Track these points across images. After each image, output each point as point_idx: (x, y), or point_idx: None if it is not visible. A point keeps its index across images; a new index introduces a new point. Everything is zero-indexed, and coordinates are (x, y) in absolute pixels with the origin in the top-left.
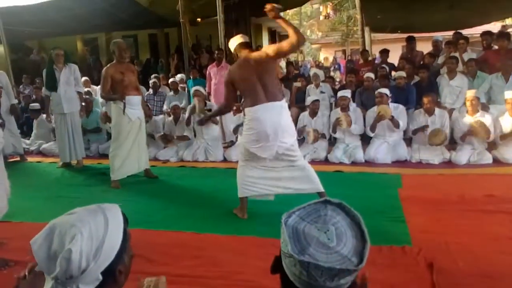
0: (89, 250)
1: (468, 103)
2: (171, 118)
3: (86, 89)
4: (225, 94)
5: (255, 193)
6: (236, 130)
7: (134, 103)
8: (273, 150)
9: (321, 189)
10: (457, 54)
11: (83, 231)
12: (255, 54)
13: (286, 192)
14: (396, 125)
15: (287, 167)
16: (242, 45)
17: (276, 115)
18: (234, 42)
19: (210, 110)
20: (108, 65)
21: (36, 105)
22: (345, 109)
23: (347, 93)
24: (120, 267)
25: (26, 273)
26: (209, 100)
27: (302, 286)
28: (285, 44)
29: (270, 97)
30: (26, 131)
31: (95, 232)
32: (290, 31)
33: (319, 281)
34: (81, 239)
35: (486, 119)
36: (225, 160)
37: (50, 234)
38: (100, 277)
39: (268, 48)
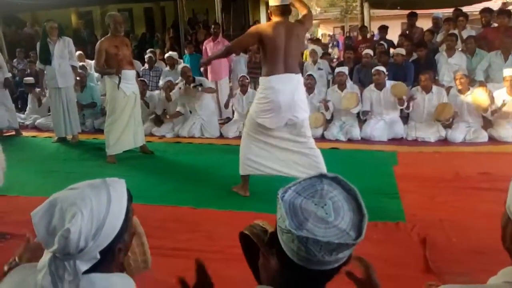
0: (88, 231)
1: (457, 82)
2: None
3: (80, 63)
4: (239, 41)
5: (258, 172)
6: (227, 104)
7: (129, 77)
8: (283, 122)
9: None
10: (456, 31)
11: (83, 211)
12: (292, 22)
13: (290, 174)
14: (402, 103)
15: (296, 151)
16: (280, 9)
17: (292, 87)
18: (274, 1)
19: (201, 84)
20: (102, 39)
21: (30, 79)
22: (342, 86)
23: (344, 69)
24: (120, 245)
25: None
26: (206, 77)
27: (301, 262)
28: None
29: (289, 68)
30: (21, 105)
31: (96, 211)
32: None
33: (317, 256)
34: (81, 219)
35: (479, 93)
36: (221, 136)
37: (51, 208)
38: (98, 256)
39: (304, 18)
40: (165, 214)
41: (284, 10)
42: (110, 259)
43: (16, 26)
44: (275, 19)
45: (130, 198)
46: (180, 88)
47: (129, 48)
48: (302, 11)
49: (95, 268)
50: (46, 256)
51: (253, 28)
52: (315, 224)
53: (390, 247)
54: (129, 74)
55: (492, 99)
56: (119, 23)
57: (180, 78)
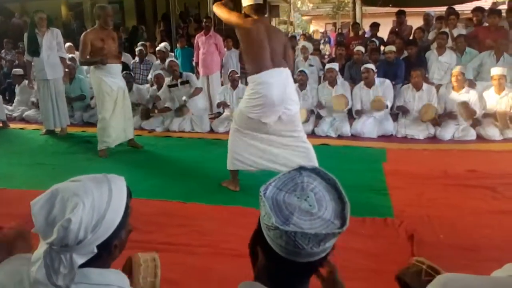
0: (88, 222)
1: (453, 79)
2: (154, 87)
3: (70, 55)
4: (229, 13)
5: (246, 167)
6: (220, 104)
7: (115, 72)
8: (276, 115)
9: None
10: (447, 30)
11: (85, 201)
12: (271, 25)
13: (280, 170)
14: (384, 106)
15: (288, 145)
16: (254, 7)
17: (283, 80)
18: (247, 0)
19: (187, 81)
20: (88, 30)
21: (18, 71)
22: (332, 82)
23: (334, 65)
24: (116, 242)
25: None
26: (197, 71)
27: (289, 256)
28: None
29: (276, 63)
30: (8, 97)
31: (97, 204)
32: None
33: (306, 249)
34: (83, 209)
35: (471, 95)
36: (211, 131)
37: (52, 198)
38: (95, 250)
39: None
40: (155, 208)
41: (258, 8)
42: (106, 255)
43: (4, 16)
44: (255, 17)
45: (129, 195)
46: (167, 85)
47: (116, 42)
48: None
49: (91, 263)
50: (42, 248)
51: (240, 17)
52: (300, 217)
53: (378, 242)
54: (114, 68)
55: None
56: (110, 16)
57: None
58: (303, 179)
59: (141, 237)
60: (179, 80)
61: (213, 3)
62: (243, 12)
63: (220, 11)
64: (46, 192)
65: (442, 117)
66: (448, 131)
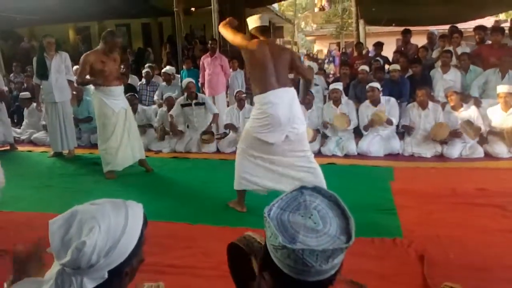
0: (102, 246)
1: (448, 99)
2: (165, 109)
3: None
4: (235, 34)
5: (254, 187)
6: (227, 126)
7: (117, 94)
8: (283, 135)
9: None
10: (451, 48)
11: (101, 225)
12: (275, 42)
13: (286, 190)
14: (390, 123)
15: (295, 165)
16: (259, 30)
17: (289, 100)
18: (253, 23)
19: (203, 103)
20: (89, 52)
21: (26, 94)
22: (337, 102)
23: (338, 85)
24: (127, 269)
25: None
26: (202, 91)
27: (299, 275)
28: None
29: (281, 83)
30: (17, 120)
31: (113, 229)
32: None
33: (315, 266)
34: (98, 233)
35: (472, 111)
36: (218, 151)
37: (71, 219)
38: (106, 276)
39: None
40: (161, 230)
41: (264, 30)
42: (116, 281)
43: (13, 41)
44: (257, 38)
45: (145, 223)
46: (180, 104)
47: (117, 64)
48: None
49: None
50: (55, 268)
51: (245, 40)
52: (306, 235)
53: (388, 263)
54: (116, 91)
55: (482, 119)
56: (117, 47)
57: (177, 92)
58: (305, 198)
59: (148, 260)
60: (194, 101)
61: (218, 26)
62: (249, 33)
63: (226, 32)
64: (66, 212)
65: (448, 136)
66: (456, 149)
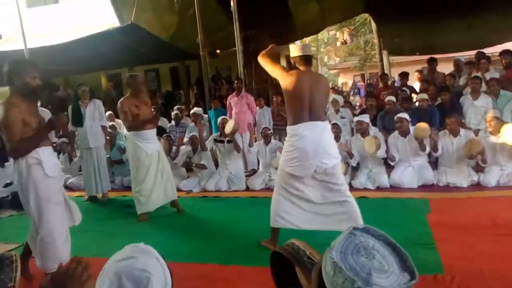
0: None
1: (487, 124)
2: (189, 148)
3: (110, 123)
4: (273, 63)
5: (289, 225)
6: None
7: (150, 137)
8: (311, 169)
9: None
10: (479, 74)
11: (153, 273)
12: (316, 72)
13: (323, 229)
14: (424, 148)
15: (330, 201)
16: (303, 59)
17: (318, 133)
18: (296, 52)
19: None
20: (122, 99)
21: (64, 139)
22: (364, 134)
23: (364, 117)
24: None
25: None
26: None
27: None
28: None
29: (314, 116)
30: None
31: (160, 273)
32: None
33: None
34: (156, 282)
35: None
36: (247, 189)
37: (116, 282)
38: None
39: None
40: (193, 272)
41: (307, 60)
42: None
43: (49, 90)
44: (302, 67)
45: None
46: (214, 138)
47: (149, 107)
48: None
49: None
50: None
51: (286, 70)
52: (378, 276)
53: None
54: (149, 134)
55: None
56: (141, 83)
57: (205, 133)
58: (360, 239)
59: None
60: (226, 138)
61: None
62: (292, 61)
63: (265, 62)
64: (103, 275)
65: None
66: (493, 177)
